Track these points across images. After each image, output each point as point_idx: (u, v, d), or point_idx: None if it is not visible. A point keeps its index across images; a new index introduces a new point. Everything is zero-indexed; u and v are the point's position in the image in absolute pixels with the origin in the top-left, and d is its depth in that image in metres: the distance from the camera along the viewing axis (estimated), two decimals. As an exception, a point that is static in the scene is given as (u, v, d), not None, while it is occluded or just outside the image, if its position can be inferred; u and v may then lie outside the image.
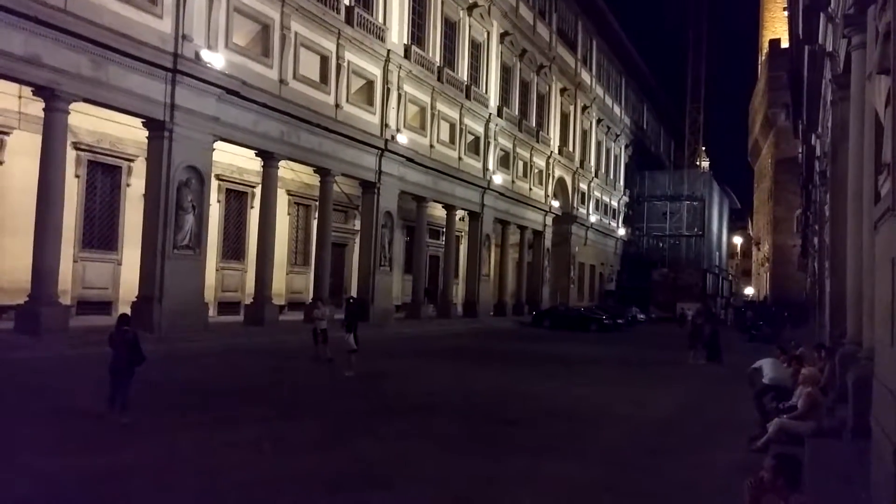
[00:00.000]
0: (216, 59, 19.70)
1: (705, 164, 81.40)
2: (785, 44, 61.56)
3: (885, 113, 5.09)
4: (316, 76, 24.67)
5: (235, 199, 26.07)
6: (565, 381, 15.98)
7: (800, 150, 47.05)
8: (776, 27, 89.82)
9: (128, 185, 21.52)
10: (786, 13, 55.70)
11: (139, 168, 20.70)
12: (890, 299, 4.70)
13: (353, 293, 27.95)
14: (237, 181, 25.69)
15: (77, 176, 19.99)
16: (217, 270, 24.61)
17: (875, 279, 5.74)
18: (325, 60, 25.02)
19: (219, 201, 24.56)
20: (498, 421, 10.66)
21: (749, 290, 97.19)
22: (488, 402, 12.62)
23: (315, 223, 27.74)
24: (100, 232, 21.09)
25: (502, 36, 38.36)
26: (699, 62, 71.74)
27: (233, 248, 25.91)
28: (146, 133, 18.94)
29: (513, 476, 7.58)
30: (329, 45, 25.10)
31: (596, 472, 7.90)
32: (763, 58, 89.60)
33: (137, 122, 18.79)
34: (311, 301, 25.13)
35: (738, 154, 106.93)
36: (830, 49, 15.12)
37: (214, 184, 22.67)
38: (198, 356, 16.17)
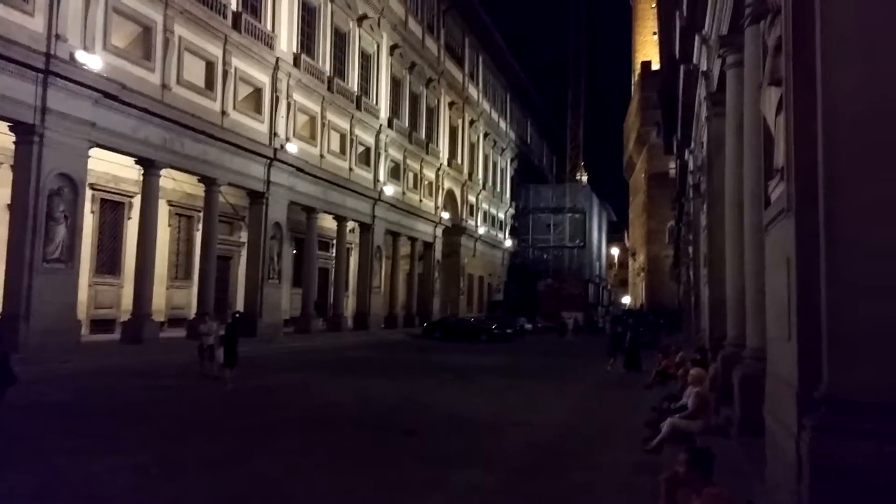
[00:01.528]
0: (93, 61, 18.52)
1: (584, 178, 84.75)
2: (656, 66, 65.41)
3: (775, 121, 5.41)
4: (201, 82, 23.74)
5: (111, 210, 24.55)
6: (460, 390, 16.03)
7: (672, 166, 50.02)
8: (647, 50, 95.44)
9: (-11, 195, 19.76)
10: (656, 36, 59.27)
11: (5, 176, 19.04)
12: (786, 297, 4.97)
13: (240, 307, 27.02)
14: (113, 190, 24.20)
15: (-71, 184, 18.19)
16: (90, 286, 23.05)
17: (767, 280, 6.07)
18: (210, 66, 24.12)
19: (92, 212, 23.04)
20: (397, 432, 10.49)
21: (626, 299, 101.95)
22: (385, 413, 12.44)
23: (199, 235, 26.57)
24: (-44, 245, 19.22)
25: (392, 48, 38.45)
26: (578, 81, 75.06)
27: (108, 261, 24.38)
28: (12, 138, 17.51)
29: (417, 485, 7.47)
30: (215, 50, 24.23)
31: (498, 478, 7.90)
32: (636, 79, 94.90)
33: (2, 126, 17.34)
34: (194, 316, 24.06)
35: (614, 169, 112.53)
36: (705, 69, 16.14)
37: (88, 193, 21.21)
38: (72, 377, 14.99)
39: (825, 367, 4.40)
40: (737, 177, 10.70)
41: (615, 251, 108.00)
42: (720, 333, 12.82)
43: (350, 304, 36.93)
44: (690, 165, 26.37)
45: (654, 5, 59.23)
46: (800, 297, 4.70)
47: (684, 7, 16.84)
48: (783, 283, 5.09)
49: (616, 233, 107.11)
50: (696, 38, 17.13)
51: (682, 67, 21.80)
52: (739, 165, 10.28)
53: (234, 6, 25.25)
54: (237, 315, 20.06)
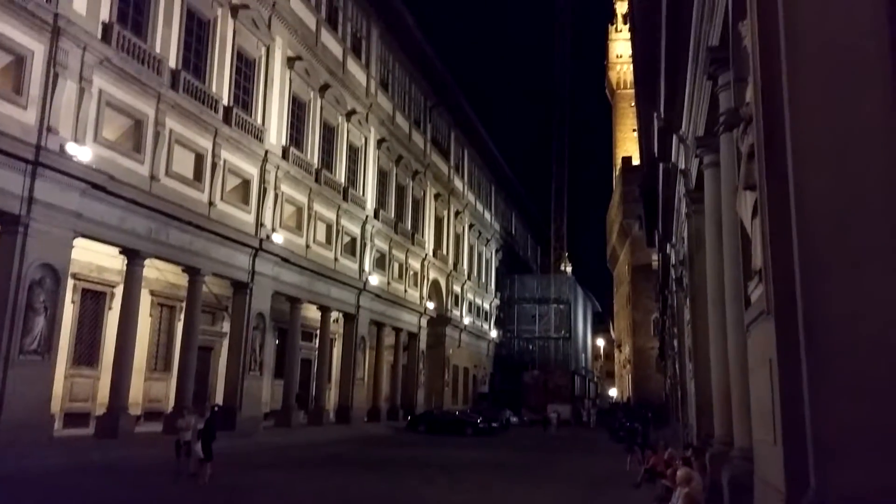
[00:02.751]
0: (83, 153, 18.73)
1: (569, 269, 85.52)
2: (637, 161, 67.29)
3: (752, 224, 5.53)
4: (190, 173, 24.01)
5: (92, 300, 24.26)
6: (445, 487, 15.57)
7: (655, 258, 50.65)
8: (628, 146, 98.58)
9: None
10: (635, 133, 61.33)
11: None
12: (770, 399, 4.94)
13: (220, 399, 26.40)
14: (95, 280, 24.01)
15: None
16: (65, 378, 22.49)
17: (751, 380, 6.05)
18: (199, 158, 24.49)
19: (73, 302, 22.74)
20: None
21: (613, 392, 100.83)
22: (368, 514, 12.03)
23: (180, 325, 26.23)
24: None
25: (379, 142, 39.41)
26: (562, 174, 76.95)
27: (86, 352, 23.88)
28: (-3, 228, 17.51)
29: None
30: (205, 143, 24.67)
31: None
32: (617, 173, 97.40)
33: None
34: (172, 410, 23.48)
35: (598, 260, 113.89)
36: (683, 167, 16.60)
37: (70, 283, 21.00)
38: (44, 476, 14.41)
39: (812, 472, 4.33)
40: (717, 273, 10.82)
41: (601, 342, 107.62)
42: (708, 430, 12.64)
43: (332, 397, 36.20)
44: (673, 259, 26.69)
45: (632, 104, 61.50)
46: (783, 400, 4.67)
47: (661, 109, 17.48)
48: (766, 384, 5.07)
49: (601, 323, 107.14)
50: (674, 137, 17.68)
51: (661, 165, 22.40)
52: (720, 262, 10.42)
53: (225, 101, 25.90)
54: (216, 409, 19.58)
